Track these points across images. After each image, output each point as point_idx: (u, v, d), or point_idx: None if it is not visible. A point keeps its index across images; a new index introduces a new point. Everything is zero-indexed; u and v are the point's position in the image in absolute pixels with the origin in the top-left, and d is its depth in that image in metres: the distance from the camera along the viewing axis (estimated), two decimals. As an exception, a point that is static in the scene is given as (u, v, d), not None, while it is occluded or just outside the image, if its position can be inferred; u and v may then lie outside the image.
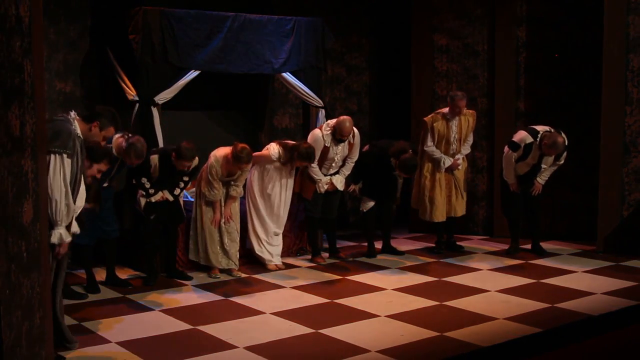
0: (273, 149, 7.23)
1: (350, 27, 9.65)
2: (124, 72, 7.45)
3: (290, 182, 7.44)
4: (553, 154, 7.51)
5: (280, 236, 7.53)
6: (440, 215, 7.99)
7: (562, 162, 7.71)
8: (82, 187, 4.66)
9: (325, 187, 7.59)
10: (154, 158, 6.62)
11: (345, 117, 7.51)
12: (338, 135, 7.38)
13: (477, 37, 9.00)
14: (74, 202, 4.56)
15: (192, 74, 7.53)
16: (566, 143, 7.51)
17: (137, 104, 7.28)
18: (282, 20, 8.06)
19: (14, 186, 3.38)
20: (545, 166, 7.66)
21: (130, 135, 6.30)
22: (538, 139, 7.45)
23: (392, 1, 9.75)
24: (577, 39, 8.62)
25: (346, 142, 7.53)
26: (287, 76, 8.20)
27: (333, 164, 7.62)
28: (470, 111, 8.10)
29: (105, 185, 6.34)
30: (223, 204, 7.01)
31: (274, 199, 7.36)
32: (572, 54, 8.66)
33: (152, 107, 7.31)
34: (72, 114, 4.70)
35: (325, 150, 7.49)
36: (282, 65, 8.06)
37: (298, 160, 7.18)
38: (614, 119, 7.85)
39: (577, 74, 8.63)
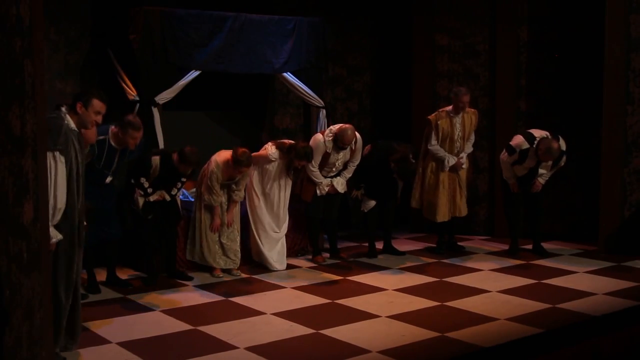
0: (271, 149, 7.23)
1: (350, 27, 9.64)
2: (124, 72, 7.44)
3: (289, 182, 7.43)
4: (549, 159, 7.46)
5: (283, 239, 7.51)
6: (442, 216, 7.95)
7: (562, 164, 7.68)
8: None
9: (326, 189, 7.59)
10: (156, 159, 6.62)
11: (347, 125, 7.45)
12: (340, 143, 7.36)
13: (478, 36, 8.99)
14: (78, 199, 4.52)
15: (193, 74, 7.53)
16: (563, 148, 7.47)
17: (138, 104, 7.27)
18: (283, 20, 8.05)
19: (14, 186, 3.38)
20: (543, 171, 7.64)
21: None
22: (534, 145, 7.40)
23: (392, 1, 9.74)
24: (578, 38, 8.61)
25: (348, 149, 7.52)
26: (288, 76, 8.19)
27: (334, 169, 7.61)
28: (473, 110, 8.09)
29: (108, 180, 6.32)
30: (225, 209, 7.03)
31: (273, 198, 7.36)
32: (573, 53, 8.65)
33: (152, 107, 7.31)
34: (63, 108, 4.55)
35: (326, 155, 7.47)
36: (282, 65, 8.06)
37: (296, 159, 7.17)
38: (615, 118, 7.83)
39: (579, 73, 8.62)
